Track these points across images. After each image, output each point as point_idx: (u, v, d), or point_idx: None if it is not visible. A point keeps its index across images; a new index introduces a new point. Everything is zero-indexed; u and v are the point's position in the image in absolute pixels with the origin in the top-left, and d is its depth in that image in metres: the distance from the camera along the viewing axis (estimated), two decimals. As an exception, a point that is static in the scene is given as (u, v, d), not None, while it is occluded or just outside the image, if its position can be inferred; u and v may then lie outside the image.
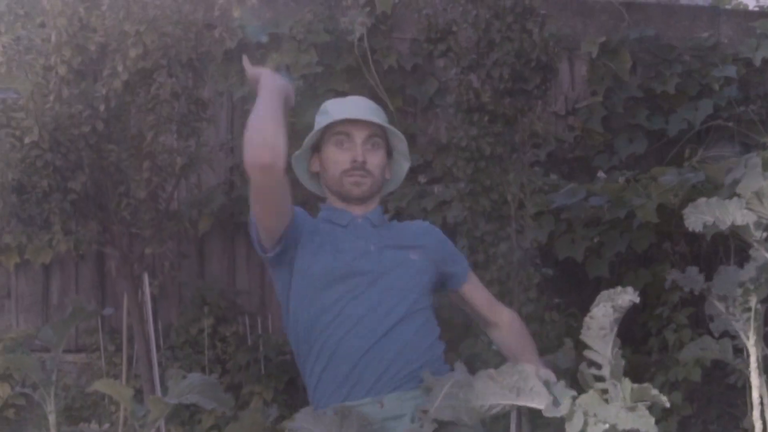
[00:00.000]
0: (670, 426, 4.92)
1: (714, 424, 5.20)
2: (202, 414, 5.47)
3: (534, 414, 4.78)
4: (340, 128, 2.64)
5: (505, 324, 2.98)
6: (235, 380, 5.77)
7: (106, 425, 5.65)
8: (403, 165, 2.83)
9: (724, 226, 3.80)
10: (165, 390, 5.07)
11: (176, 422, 5.46)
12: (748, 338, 3.90)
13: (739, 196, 3.83)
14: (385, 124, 2.71)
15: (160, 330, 5.80)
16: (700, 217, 3.81)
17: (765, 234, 3.82)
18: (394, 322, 2.57)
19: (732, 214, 3.75)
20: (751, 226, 3.75)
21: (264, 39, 6.10)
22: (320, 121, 2.68)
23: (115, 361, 6.01)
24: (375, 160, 2.67)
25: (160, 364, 5.26)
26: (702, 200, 3.90)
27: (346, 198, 2.69)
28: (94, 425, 5.67)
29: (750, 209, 3.74)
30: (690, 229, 3.89)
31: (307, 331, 2.61)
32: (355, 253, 2.63)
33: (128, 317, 5.62)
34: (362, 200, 2.70)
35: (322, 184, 2.77)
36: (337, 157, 2.64)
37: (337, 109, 2.69)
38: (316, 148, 2.72)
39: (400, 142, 2.76)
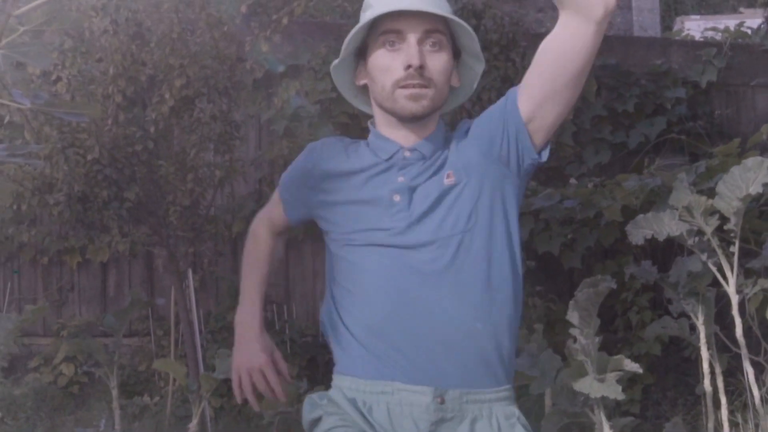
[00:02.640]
0: (634, 393, 4.93)
1: (671, 391, 5.21)
2: (238, 387, 5.46)
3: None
4: (388, 25, 1.74)
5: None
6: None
7: (157, 398, 5.66)
8: (475, 68, 1.87)
9: (662, 237, 3.84)
10: (207, 367, 5.10)
11: (216, 395, 5.44)
12: (698, 318, 3.93)
13: (672, 208, 3.86)
14: (449, 15, 1.77)
15: (202, 317, 5.80)
16: (640, 231, 3.86)
17: (697, 239, 3.85)
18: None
19: (667, 225, 3.79)
20: (685, 234, 3.79)
21: (281, 69, 6.09)
22: (364, 18, 1.79)
23: (163, 344, 6.01)
24: (437, 63, 1.75)
25: (201, 345, 5.27)
26: (641, 217, 3.95)
27: (401, 117, 1.78)
28: (146, 398, 5.69)
29: (682, 220, 3.77)
30: (633, 243, 3.94)
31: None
32: (380, 205, 1.78)
33: (175, 306, 5.63)
34: (420, 118, 1.77)
35: (371, 101, 1.86)
36: (387, 63, 1.75)
37: (382, 3, 1.76)
38: (362, 54, 1.82)
39: (470, 40, 1.81)
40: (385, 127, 1.84)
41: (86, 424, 5.22)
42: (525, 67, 4.87)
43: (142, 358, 5.99)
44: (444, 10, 1.77)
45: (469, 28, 1.80)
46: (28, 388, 5.77)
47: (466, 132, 1.83)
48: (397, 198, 1.76)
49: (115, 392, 3.94)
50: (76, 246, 6.15)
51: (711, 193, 3.89)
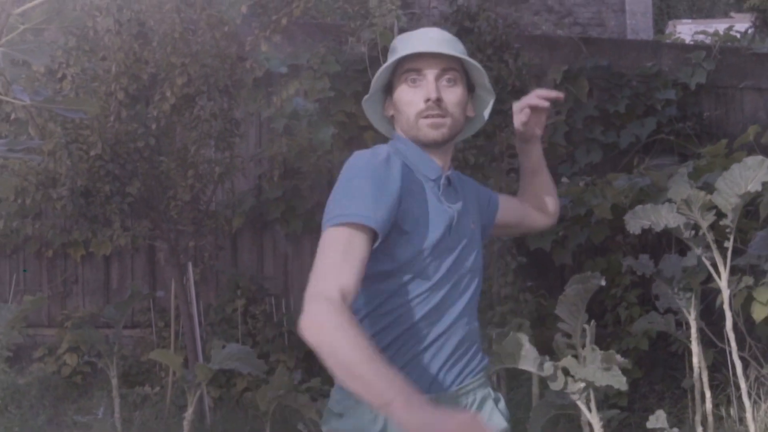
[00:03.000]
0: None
1: (659, 385, 5.21)
2: (237, 378, 5.48)
3: (508, 373, 4.80)
4: (410, 65, 1.97)
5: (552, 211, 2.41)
6: (263, 350, 5.77)
7: (157, 388, 5.67)
8: (487, 100, 2.09)
9: (659, 228, 3.84)
10: (206, 358, 5.10)
11: (215, 385, 5.45)
12: (689, 314, 3.94)
13: (671, 201, 3.86)
14: (462, 56, 1.98)
15: (202, 309, 5.81)
16: (638, 221, 3.85)
17: (693, 232, 3.85)
18: (462, 307, 1.97)
19: (665, 217, 3.78)
20: (681, 227, 3.79)
21: (284, 70, 6.09)
22: (389, 60, 2.01)
23: (163, 335, 6.02)
24: (452, 96, 1.96)
25: (201, 337, 5.28)
26: (639, 207, 3.94)
27: (424, 143, 1.97)
28: (147, 388, 5.69)
29: (680, 213, 3.77)
30: (631, 232, 3.94)
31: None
32: (446, 223, 1.93)
33: (175, 299, 5.63)
34: (441, 145, 1.98)
35: (398, 131, 2.05)
36: (409, 98, 1.97)
37: (405, 44, 2.00)
38: (389, 90, 2.05)
39: (481, 75, 2.03)
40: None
41: (87, 412, 5.23)
42: (518, 69, 4.86)
43: (144, 349, 5.99)
44: (458, 51, 1.98)
45: (479, 65, 2.01)
46: (32, 378, 5.78)
47: (464, 184, 2.13)
48: (454, 222, 1.98)
49: (115, 381, 3.94)
50: (80, 239, 6.17)
51: (707, 190, 3.89)
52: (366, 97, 2.07)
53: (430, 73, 1.95)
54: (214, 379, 5.34)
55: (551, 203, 2.38)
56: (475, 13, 5.03)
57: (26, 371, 5.91)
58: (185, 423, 3.23)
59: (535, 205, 2.35)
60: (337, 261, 1.71)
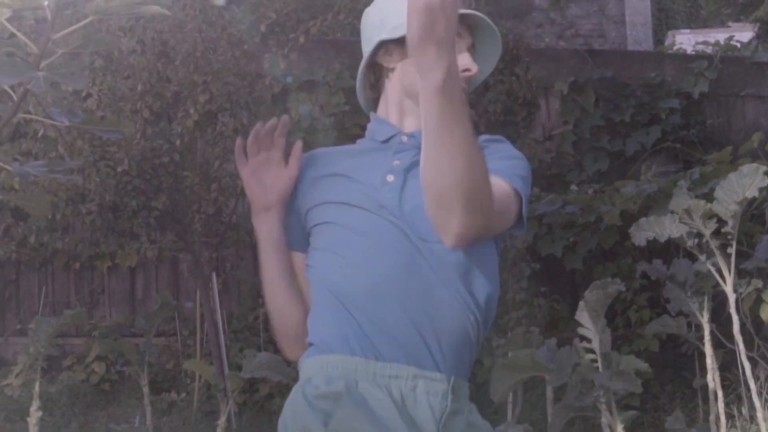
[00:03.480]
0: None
1: (669, 385, 5.18)
2: (260, 384, 5.46)
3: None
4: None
5: None
6: (284, 357, 5.75)
7: (183, 394, 5.66)
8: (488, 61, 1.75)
9: (663, 239, 3.84)
10: (230, 365, 5.10)
11: (239, 391, 5.43)
12: (702, 316, 3.92)
13: (673, 212, 3.86)
14: (497, 35, 1.70)
15: (225, 317, 5.80)
16: (643, 233, 3.86)
17: (696, 241, 3.84)
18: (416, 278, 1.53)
19: (668, 228, 3.78)
20: (684, 236, 3.79)
21: (289, 80, 6.08)
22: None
23: (188, 344, 6.01)
24: (475, 70, 1.67)
25: (225, 344, 5.27)
26: (644, 219, 3.94)
27: None
28: (173, 394, 5.69)
29: (683, 223, 3.77)
30: (636, 244, 3.93)
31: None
32: (372, 183, 1.61)
33: (199, 308, 5.64)
34: None
35: (390, 87, 1.71)
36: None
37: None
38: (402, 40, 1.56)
39: (494, 43, 1.71)
40: (395, 113, 1.71)
41: (118, 419, 5.23)
42: (528, 81, 4.86)
43: (169, 356, 5.98)
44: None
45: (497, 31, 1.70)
46: (62, 386, 5.78)
47: None
48: (390, 178, 1.61)
49: (146, 389, 3.94)
50: (107, 252, 6.17)
51: (706, 198, 3.89)
52: (381, 37, 1.68)
53: (464, 43, 1.65)
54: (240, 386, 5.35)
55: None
56: (485, 28, 5.03)
57: (56, 380, 5.91)
58: (218, 430, 3.23)
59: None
60: None
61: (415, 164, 1.57)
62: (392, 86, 1.71)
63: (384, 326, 1.51)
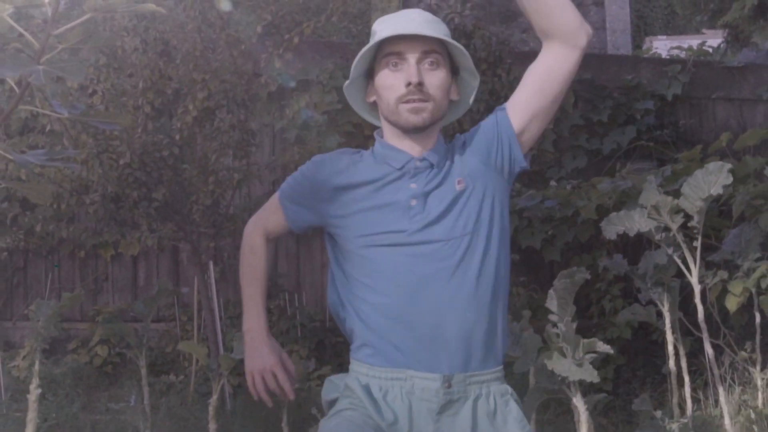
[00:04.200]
0: (608, 372, 4.92)
1: (640, 371, 5.20)
2: (254, 367, 5.45)
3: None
4: (390, 48, 1.75)
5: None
6: (278, 341, 5.75)
7: (181, 377, 5.66)
8: (472, 83, 1.87)
9: (632, 232, 3.86)
10: (227, 349, 5.10)
11: (234, 374, 5.43)
12: (663, 305, 3.93)
13: (642, 207, 3.86)
14: (444, 37, 1.77)
15: (222, 304, 5.80)
16: (614, 227, 3.87)
17: (664, 235, 3.86)
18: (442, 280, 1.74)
19: (638, 222, 3.80)
20: (653, 231, 3.79)
21: (292, 84, 6.08)
22: (370, 43, 1.80)
23: (187, 329, 6.01)
24: (434, 80, 1.75)
25: (221, 330, 5.27)
26: (614, 214, 3.96)
27: (405, 129, 1.78)
28: (172, 377, 5.69)
29: (651, 218, 3.78)
30: (607, 238, 3.94)
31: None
32: (397, 209, 1.77)
33: (197, 295, 5.63)
34: (422, 129, 1.77)
35: (380, 117, 1.86)
36: (390, 82, 1.76)
37: (386, 26, 1.78)
38: (370, 74, 1.83)
39: (464, 58, 1.81)
40: (393, 138, 1.84)
41: (118, 399, 5.23)
42: (510, 82, 4.87)
43: (169, 341, 5.98)
44: (440, 32, 1.78)
45: (462, 48, 1.80)
46: (67, 368, 5.77)
47: (463, 144, 1.86)
48: (413, 202, 1.77)
49: (144, 371, 3.94)
50: (110, 241, 6.17)
51: (677, 194, 3.90)
52: (346, 83, 1.85)
53: (412, 57, 1.75)
54: (234, 368, 5.34)
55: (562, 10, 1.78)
56: (470, 32, 5.03)
57: (61, 362, 5.91)
58: (210, 408, 3.24)
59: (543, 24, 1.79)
60: (264, 213, 2.03)
61: (430, 185, 1.79)
62: (381, 114, 1.86)
63: (396, 342, 1.75)
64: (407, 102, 1.75)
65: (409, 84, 1.74)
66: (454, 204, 1.77)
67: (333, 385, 1.87)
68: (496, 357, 1.79)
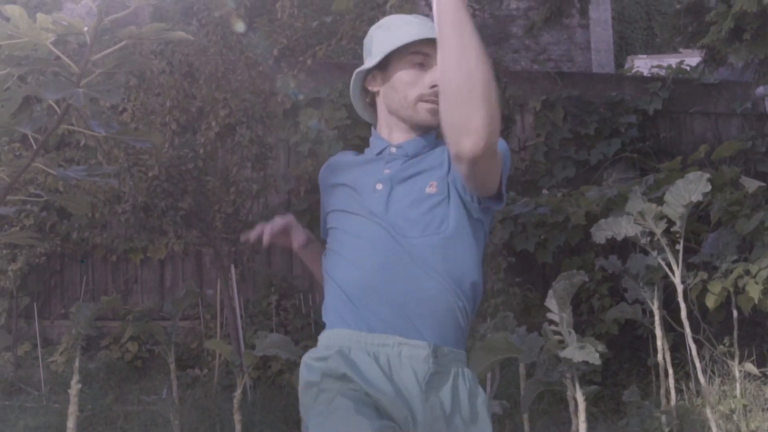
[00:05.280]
0: (597, 365, 4.90)
1: (627, 363, 5.18)
2: (272, 361, 5.46)
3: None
4: (420, 47, 1.66)
5: None
6: (294, 338, 5.72)
7: (205, 370, 5.66)
8: None
9: (620, 237, 3.85)
10: (247, 345, 5.09)
11: (253, 368, 5.43)
12: (653, 304, 3.91)
13: (629, 214, 3.85)
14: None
15: (242, 304, 5.80)
16: (602, 232, 3.86)
17: (649, 239, 3.84)
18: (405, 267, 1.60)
19: (625, 228, 3.79)
20: (639, 235, 3.78)
21: (300, 97, 6.07)
22: (389, 37, 1.70)
23: (210, 326, 6.00)
24: None
25: (242, 327, 5.27)
26: (603, 221, 3.94)
27: (413, 125, 1.69)
28: (197, 370, 5.68)
29: (637, 223, 3.77)
30: (596, 242, 3.93)
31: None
32: (366, 191, 1.68)
33: (220, 295, 5.63)
34: (434, 129, 1.69)
35: (379, 106, 1.76)
36: (416, 79, 1.66)
37: (412, 28, 1.69)
38: (381, 65, 1.71)
39: None
40: (384, 128, 1.75)
41: (148, 391, 5.22)
42: (506, 99, 4.84)
43: (193, 337, 5.98)
44: None
45: None
46: (100, 363, 5.77)
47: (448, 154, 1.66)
48: (379, 186, 1.67)
49: (172, 366, 3.93)
50: (139, 246, 6.17)
51: (660, 201, 3.89)
52: (358, 69, 1.74)
53: (434, 60, 1.62)
54: (255, 363, 5.35)
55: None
56: (468, 53, 5.02)
57: (95, 357, 5.91)
58: (235, 401, 3.22)
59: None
60: None
61: (402, 173, 1.67)
62: (380, 105, 1.75)
63: (374, 307, 1.59)
64: (428, 102, 1.65)
65: (434, 86, 1.63)
66: (419, 204, 1.63)
67: (310, 367, 1.62)
68: (464, 341, 1.67)
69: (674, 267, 3.77)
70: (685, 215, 3.69)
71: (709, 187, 3.65)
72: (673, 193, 3.69)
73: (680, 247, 3.78)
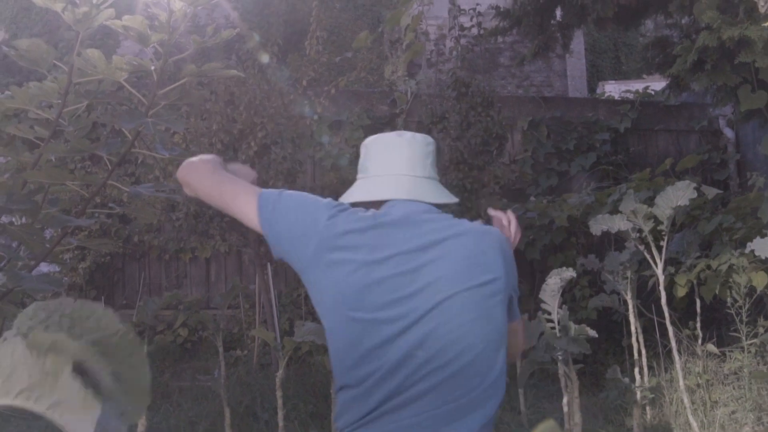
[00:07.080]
0: (579, 346, 4.89)
1: (604, 344, 5.16)
2: (303, 343, 5.43)
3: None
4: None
5: None
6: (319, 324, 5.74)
7: (246, 352, 5.66)
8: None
9: (614, 231, 3.82)
10: (281, 330, 5.09)
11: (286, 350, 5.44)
12: (627, 294, 3.90)
13: (621, 212, 3.84)
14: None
15: (276, 296, 5.80)
16: (599, 226, 3.84)
17: (637, 234, 3.83)
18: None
19: (618, 223, 3.76)
20: (630, 231, 3.76)
21: (315, 117, 6.06)
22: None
23: (249, 314, 6.01)
24: None
25: (276, 315, 5.27)
26: (600, 216, 3.92)
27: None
28: (238, 352, 5.69)
29: (629, 221, 3.75)
30: (593, 234, 3.91)
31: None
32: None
33: (257, 288, 5.63)
34: None
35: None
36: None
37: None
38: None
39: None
40: None
41: (198, 370, 5.22)
42: (499, 120, 4.84)
43: (235, 324, 5.98)
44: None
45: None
46: (156, 346, 5.78)
47: None
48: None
49: (221, 349, 3.93)
50: (188, 247, 6.18)
51: (650, 204, 3.88)
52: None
53: None
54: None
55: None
56: (468, 82, 5.03)
57: (152, 341, 5.92)
58: (277, 380, 3.22)
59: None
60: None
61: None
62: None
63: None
64: None
65: None
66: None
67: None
68: None
69: (657, 260, 3.75)
70: (671, 217, 3.68)
71: (695, 194, 3.63)
72: (663, 197, 3.68)
73: (664, 243, 3.76)
